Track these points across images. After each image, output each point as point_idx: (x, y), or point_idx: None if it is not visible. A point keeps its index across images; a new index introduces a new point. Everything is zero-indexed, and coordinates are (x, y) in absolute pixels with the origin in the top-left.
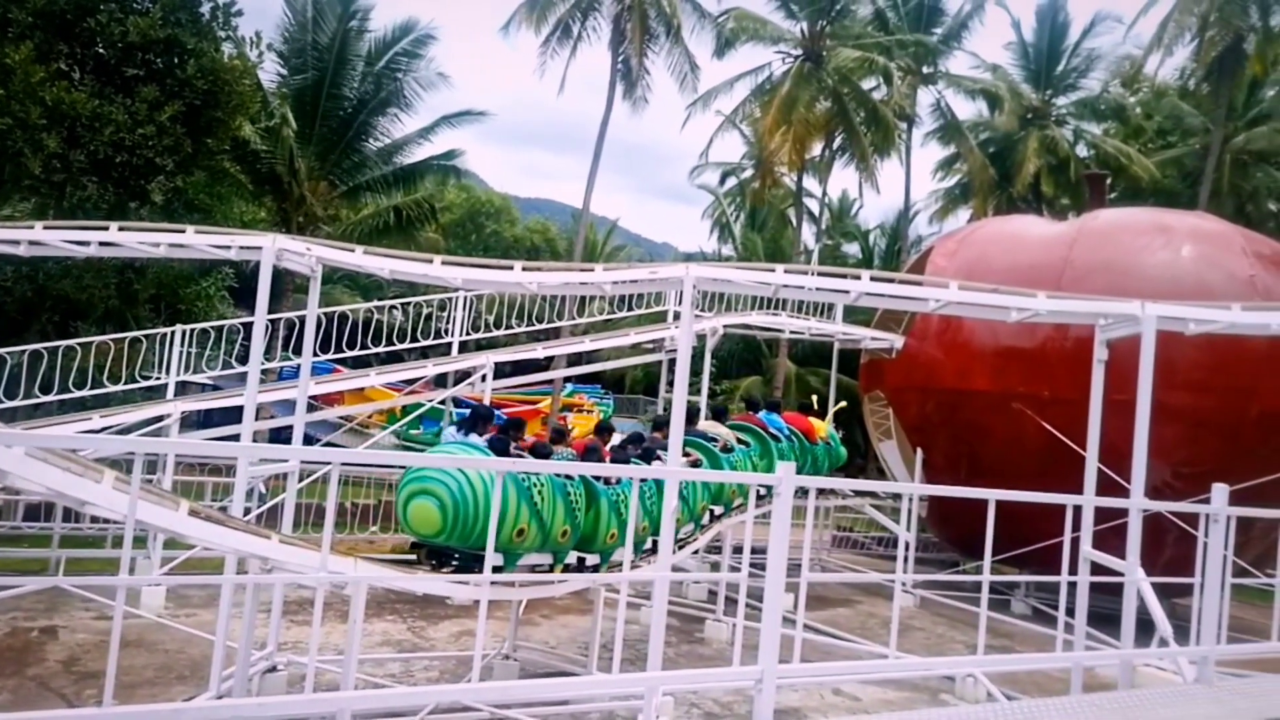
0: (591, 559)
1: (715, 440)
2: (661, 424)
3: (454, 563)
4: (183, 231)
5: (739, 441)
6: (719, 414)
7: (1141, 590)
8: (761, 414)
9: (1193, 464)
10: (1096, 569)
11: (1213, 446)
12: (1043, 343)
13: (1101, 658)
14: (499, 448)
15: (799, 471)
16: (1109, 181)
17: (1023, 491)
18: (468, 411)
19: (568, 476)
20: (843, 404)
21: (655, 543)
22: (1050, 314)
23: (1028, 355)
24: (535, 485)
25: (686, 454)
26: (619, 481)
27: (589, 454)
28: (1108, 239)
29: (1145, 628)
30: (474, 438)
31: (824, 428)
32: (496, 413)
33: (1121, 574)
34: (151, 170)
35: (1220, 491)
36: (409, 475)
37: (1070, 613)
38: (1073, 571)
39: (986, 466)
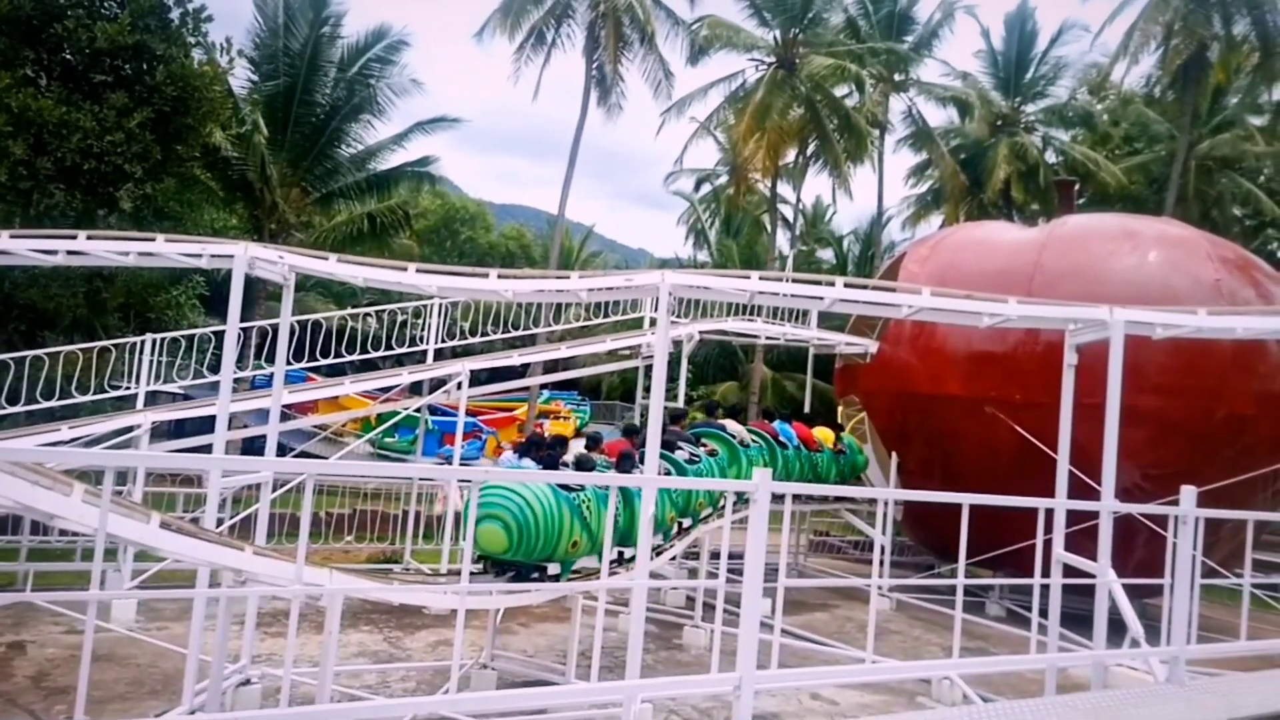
0: (629, 551)
1: (732, 435)
2: (678, 417)
3: (512, 572)
4: (153, 239)
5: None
6: (709, 410)
7: (1113, 591)
8: (775, 423)
9: (1162, 466)
10: (1069, 571)
11: (1181, 448)
12: (1014, 347)
13: (1075, 659)
14: (551, 466)
15: (803, 476)
16: (1077, 188)
17: (995, 495)
18: (452, 425)
19: (713, 452)
20: (861, 415)
21: (682, 526)
22: (1021, 319)
23: (1000, 360)
24: (584, 501)
25: (703, 443)
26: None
27: (624, 459)
28: (1077, 245)
29: (1117, 628)
30: (527, 461)
31: (831, 437)
32: (549, 438)
33: (1093, 575)
34: (120, 177)
35: (1189, 493)
36: (479, 500)
37: (1044, 614)
38: (1046, 573)
39: (960, 470)
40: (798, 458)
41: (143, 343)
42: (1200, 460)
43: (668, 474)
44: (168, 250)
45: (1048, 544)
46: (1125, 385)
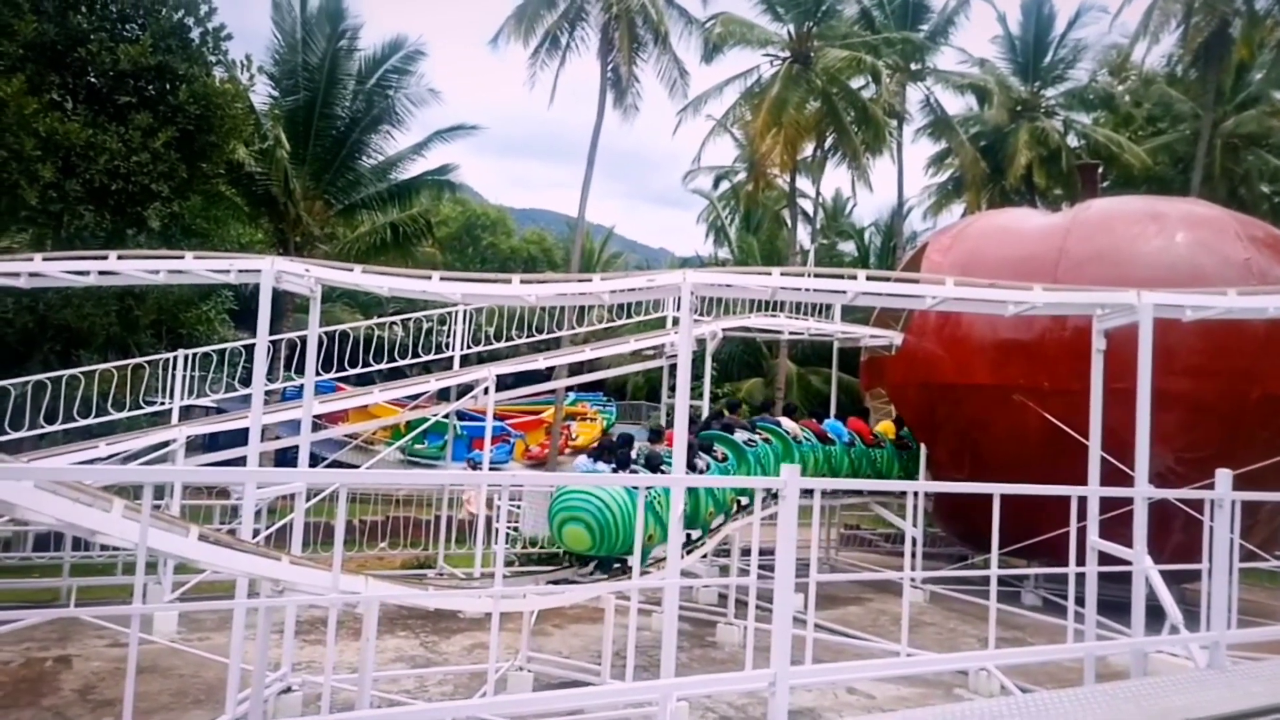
0: (695, 532)
1: (787, 431)
2: (734, 406)
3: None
4: (181, 257)
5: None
6: (731, 409)
7: (1150, 578)
8: (826, 422)
9: (1196, 449)
10: (1104, 558)
11: (1215, 431)
12: (1041, 334)
13: (1113, 647)
14: (623, 466)
15: (862, 473)
16: (1101, 171)
17: (1027, 484)
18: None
19: (723, 458)
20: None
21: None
22: (1047, 306)
23: (1027, 347)
24: (656, 497)
25: (759, 432)
26: (708, 468)
27: (687, 446)
28: (1102, 228)
29: (1156, 615)
30: (601, 465)
31: (892, 430)
32: (618, 438)
33: (1129, 562)
34: (147, 197)
35: (1224, 476)
36: (558, 504)
37: (1080, 603)
38: (1081, 562)
39: (990, 460)
40: (846, 454)
41: (175, 358)
42: (1235, 442)
43: (725, 458)
44: (197, 267)
45: (1082, 532)
46: (1156, 369)
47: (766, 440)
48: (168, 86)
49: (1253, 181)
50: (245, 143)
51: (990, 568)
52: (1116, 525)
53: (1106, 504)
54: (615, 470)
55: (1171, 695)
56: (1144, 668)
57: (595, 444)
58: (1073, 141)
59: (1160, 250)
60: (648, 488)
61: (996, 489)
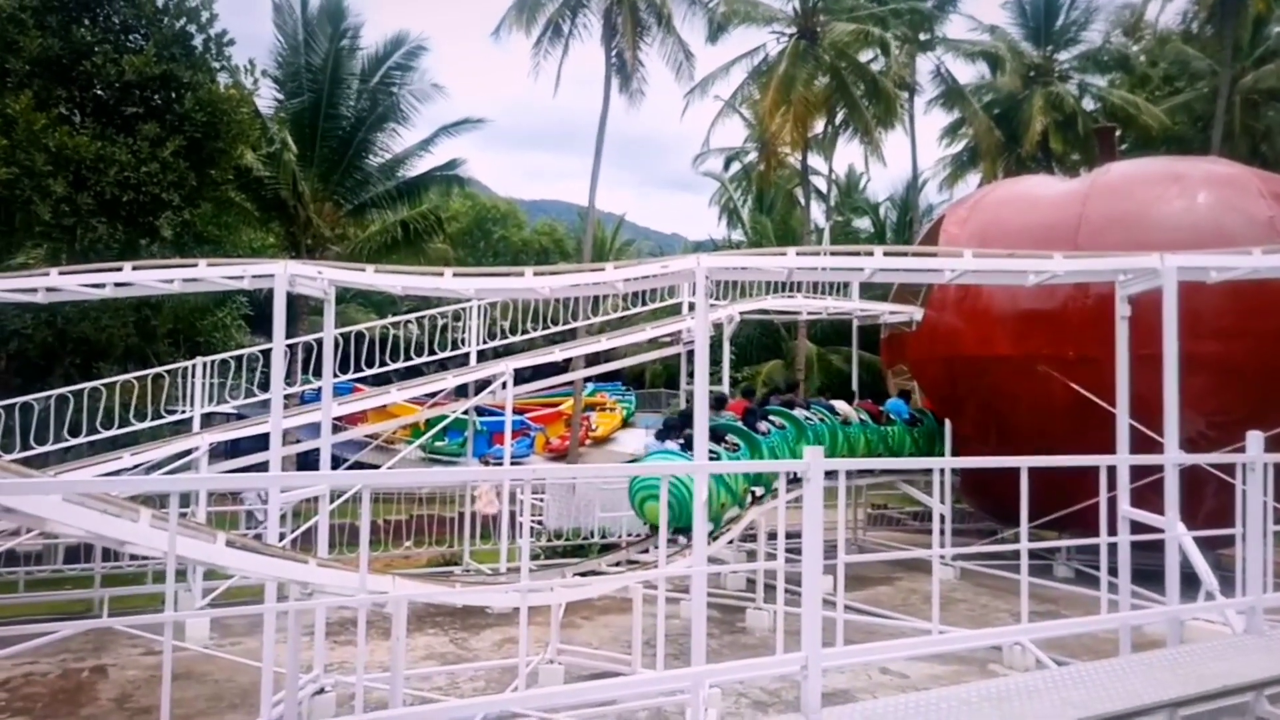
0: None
1: (838, 414)
2: (793, 385)
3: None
4: (195, 265)
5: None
6: (746, 395)
7: (1183, 545)
8: (888, 402)
9: (1226, 412)
10: (1136, 527)
11: (1245, 393)
12: (1064, 303)
13: (1148, 616)
14: (689, 444)
15: (920, 451)
16: (1118, 133)
17: (1055, 456)
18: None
19: (734, 446)
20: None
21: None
22: (1069, 274)
23: (1050, 317)
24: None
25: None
26: (769, 433)
27: (748, 414)
28: (1121, 192)
29: (1190, 582)
30: (669, 444)
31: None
32: (679, 417)
33: (1162, 530)
34: (159, 206)
35: (1255, 439)
36: (638, 484)
37: (1113, 573)
38: (1112, 532)
39: (1016, 432)
40: (906, 433)
41: (194, 366)
42: (1266, 403)
43: (782, 429)
44: (211, 274)
45: (1113, 501)
46: (1183, 333)
47: (821, 420)
48: (173, 95)
49: (1274, 137)
50: (252, 147)
51: (1020, 541)
52: (1148, 493)
53: (1137, 472)
54: (683, 447)
55: (1209, 662)
56: (1180, 636)
57: (661, 424)
58: (1088, 105)
59: (1182, 212)
60: (712, 459)
61: (1024, 462)
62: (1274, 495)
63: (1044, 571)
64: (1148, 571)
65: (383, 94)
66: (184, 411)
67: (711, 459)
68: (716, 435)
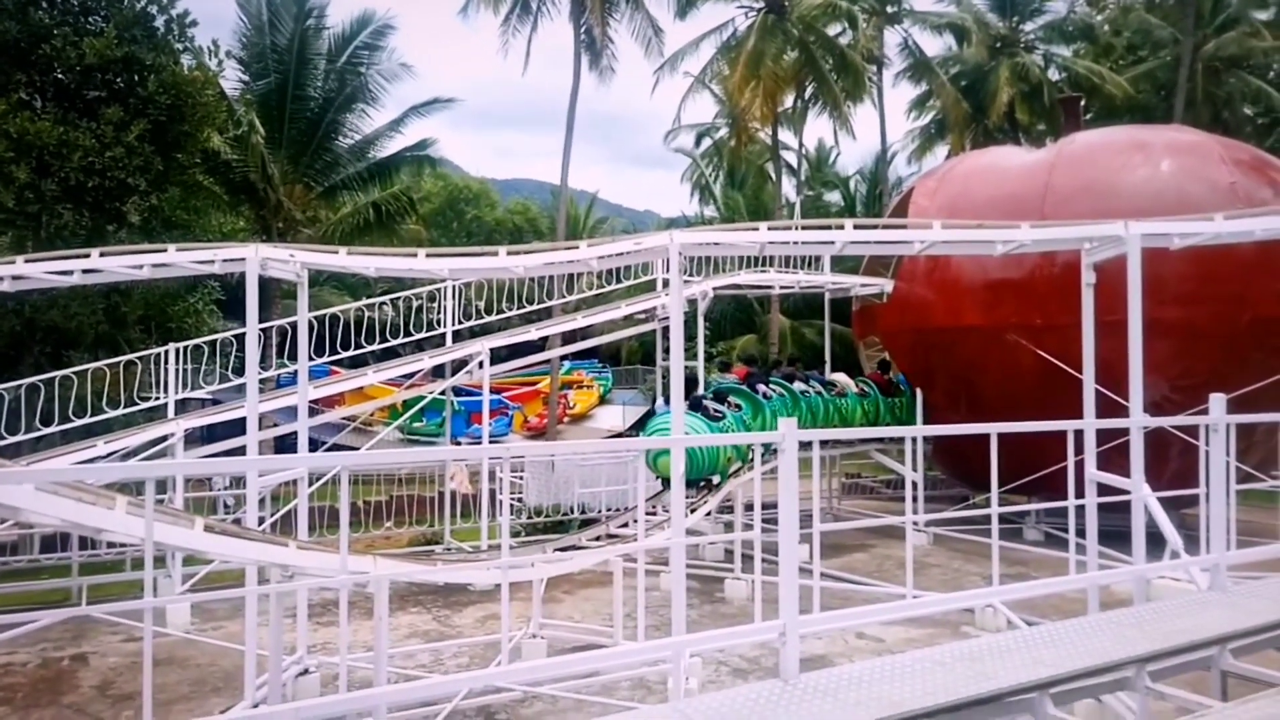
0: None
1: (834, 385)
2: (793, 360)
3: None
4: (164, 250)
5: (860, 392)
6: (723, 369)
7: (1149, 506)
8: (899, 374)
9: (1190, 376)
10: (1103, 489)
11: (1208, 357)
12: (1031, 272)
13: (1116, 575)
14: (695, 404)
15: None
16: (1083, 103)
17: (1024, 422)
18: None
19: (736, 407)
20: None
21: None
22: (1035, 243)
23: (1018, 286)
24: (728, 427)
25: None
26: (769, 398)
27: (751, 376)
28: (1087, 161)
29: (1156, 542)
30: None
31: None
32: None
33: (1128, 492)
34: (125, 191)
35: (1218, 401)
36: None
37: (1081, 535)
38: (1080, 494)
39: (986, 400)
40: (911, 403)
41: (166, 353)
42: (1229, 367)
43: (782, 397)
44: (180, 260)
45: (1080, 465)
46: (1147, 299)
47: (818, 393)
48: (136, 78)
49: (1235, 104)
50: (219, 130)
51: (991, 506)
52: (1114, 456)
53: (1103, 436)
54: (690, 408)
55: (1175, 619)
56: (1146, 594)
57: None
58: (1054, 75)
59: (1146, 180)
60: (719, 419)
61: (994, 428)
62: (1236, 456)
63: (1014, 535)
64: (1114, 532)
65: (350, 74)
66: (158, 398)
67: (717, 416)
68: (720, 396)
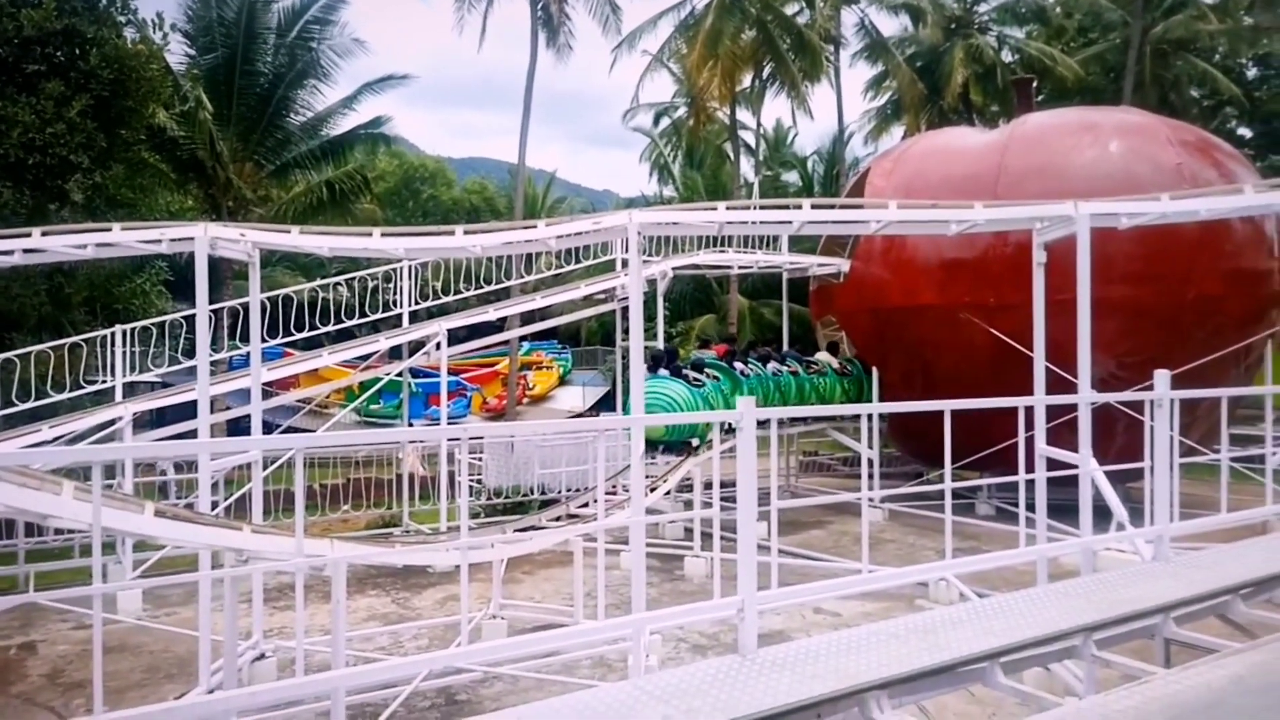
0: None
1: (814, 364)
2: (770, 340)
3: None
4: (109, 229)
5: (841, 370)
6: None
7: (1096, 479)
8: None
9: (1136, 353)
10: (1053, 464)
11: (1154, 334)
12: (984, 252)
13: (1064, 547)
14: (676, 371)
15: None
16: (1035, 85)
17: (976, 399)
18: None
19: (715, 380)
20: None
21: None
22: (988, 223)
23: (971, 265)
24: (708, 395)
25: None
26: (747, 375)
27: (730, 354)
28: (1038, 142)
29: (1103, 514)
30: (662, 372)
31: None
32: (666, 351)
33: (1076, 466)
34: (67, 169)
35: (1162, 377)
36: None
37: (1031, 508)
38: (1030, 469)
39: (941, 378)
40: (792, 382)
41: (113, 335)
42: (1173, 343)
43: (758, 375)
44: (126, 239)
45: (1030, 441)
46: (1096, 278)
47: (794, 374)
48: (77, 52)
49: (1182, 86)
50: (165, 106)
51: (944, 482)
52: (1064, 432)
53: (1053, 412)
54: (671, 374)
55: (1120, 588)
56: (1093, 565)
57: (651, 358)
58: (1007, 57)
59: (1095, 160)
60: (700, 387)
61: (947, 405)
62: (1179, 430)
63: (967, 510)
64: (1063, 506)
65: (301, 49)
66: (104, 381)
67: (698, 384)
68: (698, 367)
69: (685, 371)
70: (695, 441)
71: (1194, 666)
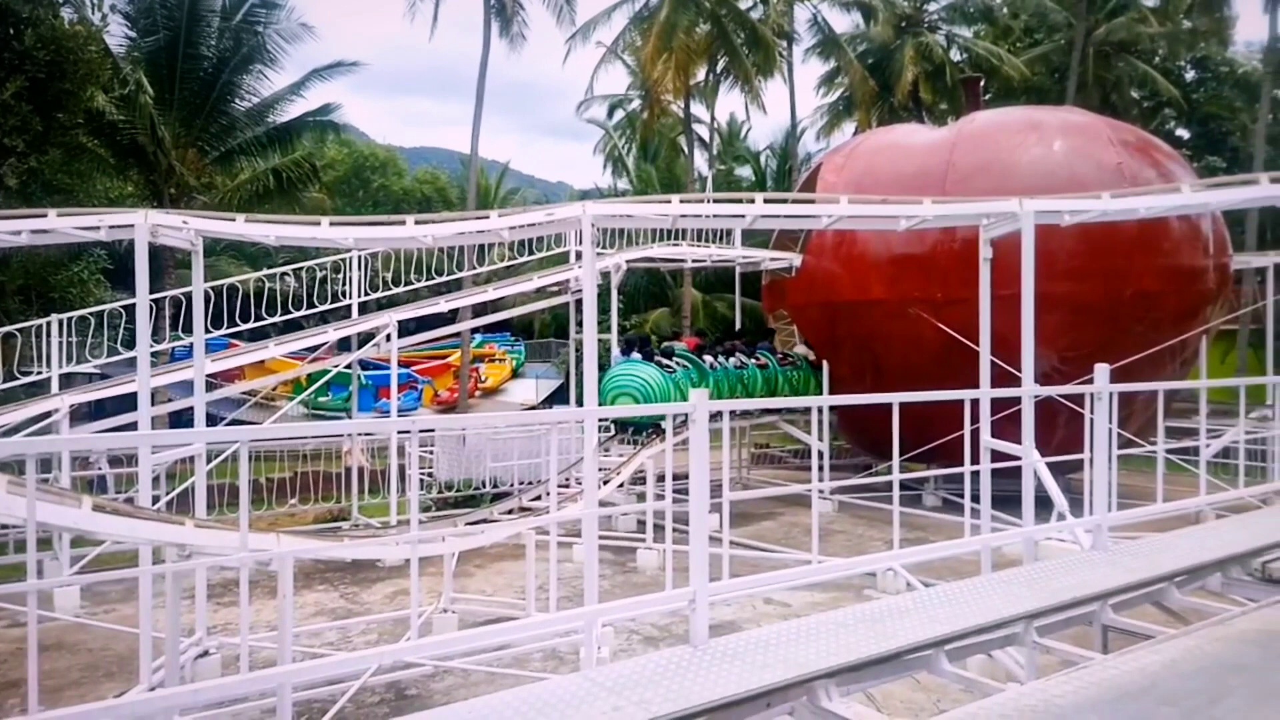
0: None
1: (789, 356)
2: (740, 334)
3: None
4: (44, 215)
5: (815, 363)
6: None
7: (1038, 471)
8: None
9: (1077, 348)
10: (997, 456)
11: (1094, 329)
12: (933, 247)
13: (1007, 537)
14: (649, 355)
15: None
16: (983, 83)
17: (923, 392)
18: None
19: (684, 368)
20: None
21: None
22: (937, 219)
23: (920, 261)
24: (678, 381)
25: (757, 357)
26: (714, 368)
27: (702, 348)
28: (985, 140)
29: (1045, 505)
30: (635, 355)
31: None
32: (640, 338)
33: (1019, 458)
34: (1, 153)
35: (1102, 371)
36: (610, 384)
37: (976, 499)
38: (975, 461)
39: (890, 372)
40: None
41: (48, 324)
42: (1113, 338)
43: (764, 367)
44: (62, 225)
45: (976, 433)
46: (1039, 274)
47: (762, 366)
48: (11, 32)
49: (1123, 87)
50: (104, 89)
51: (892, 474)
52: (1008, 424)
53: (997, 405)
54: (644, 358)
55: (1060, 577)
56: (1035, 554)
57: (625, 342)
58: (955, 56)
59: (1039, 159)
60: (673, 373)
61: (895, 398)
62: (1118, 423)
63: (914, 501)
64: (1007, 497)
65: (247, 33)
66: (40, 372)
67: (670, 370)
68: (668, 354)
69: (657, 357)
70: (661, 425)
71: (1130, 652)
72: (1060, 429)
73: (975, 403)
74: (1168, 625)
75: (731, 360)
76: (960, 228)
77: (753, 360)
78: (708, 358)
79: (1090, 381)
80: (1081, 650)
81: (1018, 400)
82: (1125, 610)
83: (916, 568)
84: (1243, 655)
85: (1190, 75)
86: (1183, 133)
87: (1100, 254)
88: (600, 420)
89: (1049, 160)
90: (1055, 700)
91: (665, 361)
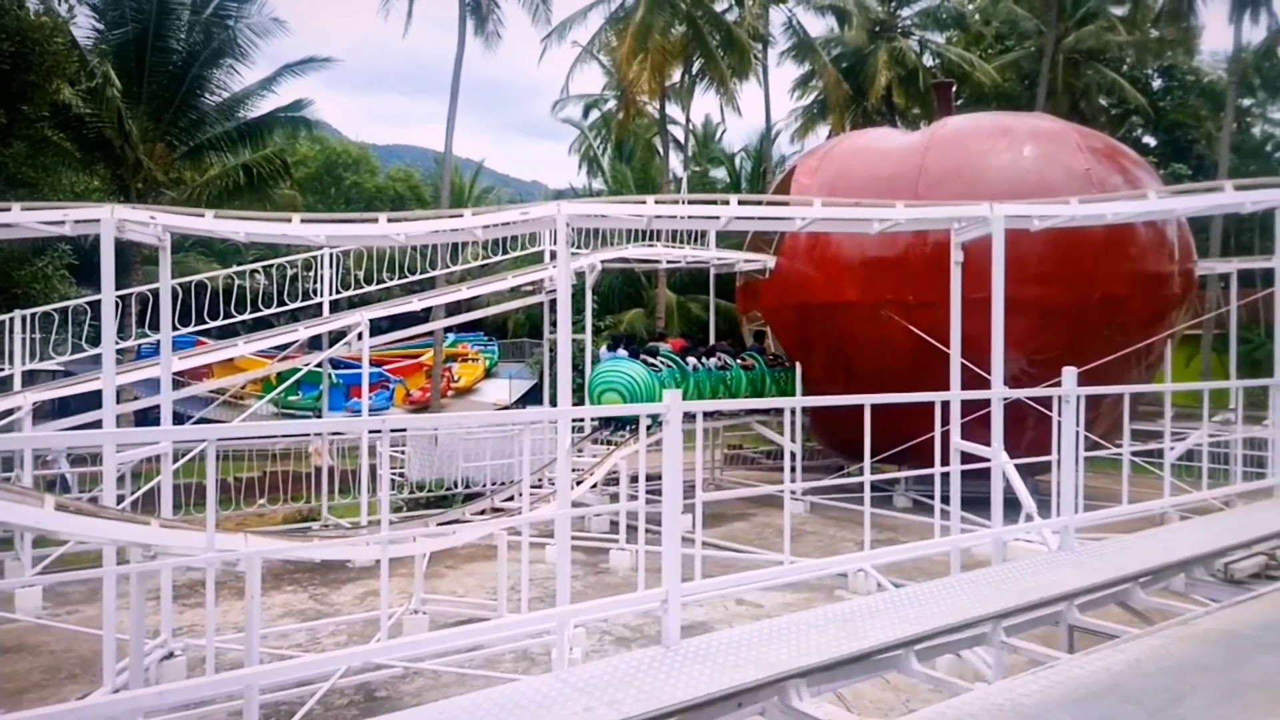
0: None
1: (779, 358)
2: (725, 336)
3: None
4: (9, 209)
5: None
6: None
7: (1007, 472)
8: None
9: (1046, 351)
10: (967, 458)
11: (1062, 333)
12: (905, 250)
13: (976, 538)
14: (635, 353)
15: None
16: (955, 89)
17: (895, 394)
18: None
19: (669, 367)
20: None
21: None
22: (909, 222)
23: (893, 264)
24: (663, 379)
25: (742, 358)
26: (696, 369)
27: (686, 350)
28: (957, 145)
29: (1014, 506)
30: (621, 351)
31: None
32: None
33: (988, 459)
34: None
35: (1070, 374)
36: (598, 380)
37: (946, 501)
38: (945, 462)
39: (862, 374)
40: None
41: (11, 320)
42: (1080, 342)
43: (749, 368)
44: (26, 219)
45: (946, 435)
46: (1009, 277)
47: (748, 367)
48: None
49: (1092, 94)
50: (70, 82)
51: (864, 475)
52: (978, 426)
53: (967, 407)
54: (630, 355)
55: (1028, 577)
56: (1003, 555)
57: (612, 338)
58: (928, 61)
59: (1010, 164)
60: (659, 371)
61: (867, 399)
62: (1085, 425)
63: (885, 502)
64: (976, 498)
65: (218, 27)
66: (2, 369)
67: (655, 368)
68: (653, 354)
69: (642, 356)
70: (649, 421)
71: (1096, 652)
72: (1029, 431)
73: (946, 404)
74: (1132, 625)
75: (712, 360)
76: (932, 231)
77: (737, 362)
78: (690, 359)
79: (1059, 384)
80: (1048, 650)
81: (987, 403)
82: (1091, 610)
83: (887, 568)
84: (1205, 655)
85: (1157, 84)
86: (1149, 140)
87: (1069, 259)
88: (576, 420)
89: (1019, 165)
90: (1022, 699)
91: (651, 360)
